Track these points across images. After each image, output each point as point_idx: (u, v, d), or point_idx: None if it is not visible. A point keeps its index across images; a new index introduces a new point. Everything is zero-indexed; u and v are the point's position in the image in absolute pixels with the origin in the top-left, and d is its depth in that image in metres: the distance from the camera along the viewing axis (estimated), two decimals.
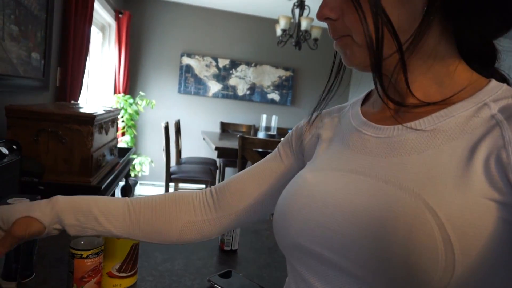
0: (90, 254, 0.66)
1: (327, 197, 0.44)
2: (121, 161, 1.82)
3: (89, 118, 1.30)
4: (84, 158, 1.30)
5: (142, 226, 0.59)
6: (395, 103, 0.45)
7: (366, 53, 0.42)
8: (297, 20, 3.14)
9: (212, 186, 0.65)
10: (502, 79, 0.47)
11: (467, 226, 0.35)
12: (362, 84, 3.93)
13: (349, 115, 0.54)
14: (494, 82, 0.43)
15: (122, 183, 2.39)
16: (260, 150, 2.72)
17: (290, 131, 0.65)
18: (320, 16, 0.45)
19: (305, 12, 3.14)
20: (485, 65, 0.48)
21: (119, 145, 3.34)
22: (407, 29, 0.41)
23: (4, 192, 0.92)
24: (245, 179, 0.62)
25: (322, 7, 0.44)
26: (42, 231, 0.54)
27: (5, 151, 0.91)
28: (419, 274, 0.34)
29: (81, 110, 1.41)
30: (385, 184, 0.40)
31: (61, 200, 0.56)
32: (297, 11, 3.14)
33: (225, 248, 0.97)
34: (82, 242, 0.67)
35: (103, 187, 1.33)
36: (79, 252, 0.65)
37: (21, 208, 0.54)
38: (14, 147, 0.97)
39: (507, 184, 0.35)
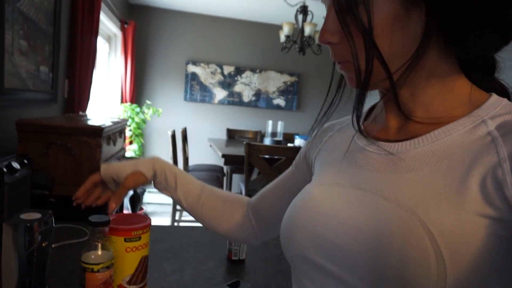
0: (101, 268, 0.67)
1: (331, 212, 0.45)
2: None
3: (97, 130, 1.32)
4: (93, 169, 1.32)
5: (204, 210, 0.73)
6: (402, 117, 0.47)
7: (358, 76, 0.43)
8: (300, 26, 3.15)
9: (249, 200, 0.76)
10: (503, 89, 0.48)
11: (460, 242, 0.35)
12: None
13: (351, 129, 0.55)
14: (493, 98, 0.43)
15: (130, 193, 2.41)
16: (266, 156, 2.73)
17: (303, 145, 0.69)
18: (323, 40, 0.45)
19: (308, 17, 3.16)
20: (486, 76, 0.49)
21: (127, 154, 3.39)
22: (406, 52, 0.41)
23: (17, 205, 0.94)
24: (267, 191, 0.72)
25: (323, 31, 0.45)
26: (146, 182, 0.71)
27: (16, 165, 0.93)
28: (412, 287, 0.35)
29: (89, 122, 1.43)
30: (385, 201, 0.41)
31: (159, 162, 0.72)
32: (300, 17, 3.16)
33: (233, 258, 0.97)
34: (92, 257, 0.68)
35: None
36: (90, 266, 0.67)
37: (129, 165, 0.71)
38: (25, 161, 0.99)
39: (503, 200, 0.36)
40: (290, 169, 0.69)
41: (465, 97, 0.45)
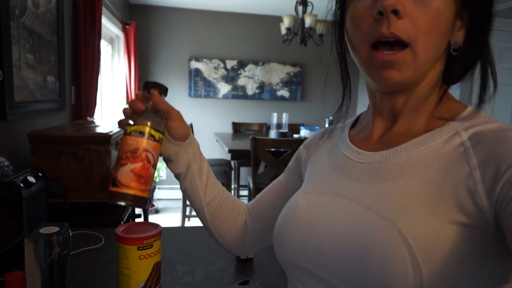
0: (133, 131, 0.55)
1: (317, 221, 0.49)
2: None
3: (105, 138, 1.36)
4: (103, 175, 1.37)
5: (219, 212, 0.69)
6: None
7: (413, 69, 0.43)
8: (301, 17, 3.15)
9: (247, 205, 0.75)
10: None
11: (434, 250, 0.38)
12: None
13: (338, 137, 0.58)
14: (469, 109, 0.46)
15: None
16: (272, 149, 2.76)
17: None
18: (389, 5, 0.40)
19: (308, 9, 3.15)
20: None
21: None
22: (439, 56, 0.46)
23: (35, 217, 0.99)
24: (262, 197, 0.72)
25: None
26: (185, 133, 0.63)
27: (32, 180, 0.98)
28: None
29: (97, 130, 1.48)
30: (366, 210, 0.44)
31: (193, 149, 0.65)
32: (300, 8, 3.15)
33: (242, 257, 1.02)
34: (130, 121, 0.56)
35: None
36: (127, 127, 0.56)
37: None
38: (40, 174, 1.04)
39: (475, 208, 0.38)
40: (283, 174, 0.70)
41: (443, 107, 0.47)
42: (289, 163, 0.70)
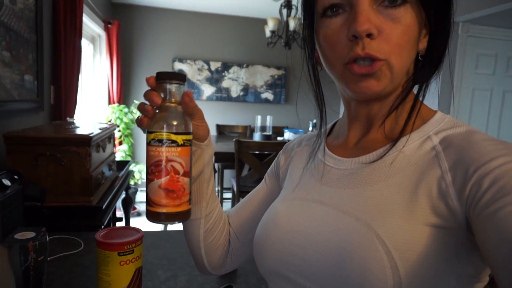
0: (152, 140, 0.47)
1: (297, 228, 0.49)
2: (120, 175, 1.85)
3: (86, 140, 1.33)
4: (83, 178, 1.34)
5: (211, 227, 0.63)
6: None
7: (390, 79, 0.44)
8: (285, 20, 3.16)
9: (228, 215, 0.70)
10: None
11: (411, 252, 0.39)
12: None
13: (316, 145, 0.59)
14: (438, 114, 0.48)
15: (123, 195, 2.42)
16: (256, 152, 2.76)
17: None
18: (364, 30, 0.41)
19: (293, 12, 3.16)
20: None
21: (117, 155, 3.38)
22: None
23: (10, 222, 0.96)
24: (243, 208, 0.68)
25: (364, 20, 0.41)
26: (205, 133, 0.56)
27: (7, 182, 0.94)
28: None
29: (78, 131, 1.44)
30: (344, 215, 0.45)
31: (209, 152, 0.58)
32: (284, 11, 3.16)
33: None
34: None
35: (104, 206, 1.36)
36: (147, 135, 0.48)
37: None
38: (16, 177, 1.01)
39: (448, 209, 0.39)
40: (263, 184, 0.69)
41: (415, 113, 0.48)
42: (268, 170, 0.70)
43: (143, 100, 0.50)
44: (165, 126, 0.47)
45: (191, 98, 0.48)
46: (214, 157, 2.82)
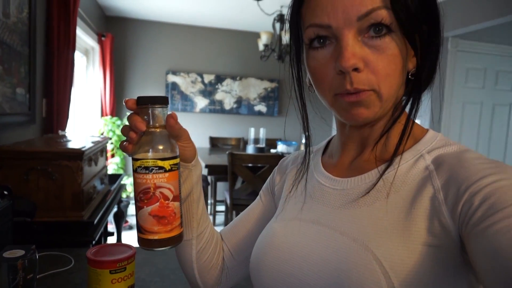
0: (138, 167, 0.46)
1: (294, 249, 0.49)
2: (112, 189, 1.83)
3: (78, 154, 1.31)
4: (75, 193, 1.32)
5: (203, 247, 0.62)
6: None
7: (379, 106, 0.45)
8: (278, 34, 3.20)
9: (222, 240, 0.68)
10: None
11: (409, 272, 0.39)
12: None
13: (311, 163, 0.59)
14: (430, 133, 0.48)
15: (115, 209, 2.39)
16: (250, 165, 2.75)
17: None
18: (350, 65, 0.42)
19: (286, 26, 3.20)
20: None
21: (109, 168, 3.35)
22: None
23: None
24: (238, 226, 0.67)
25: (350, 56, 0.42)
26: (191, 153, 0.54)
27: None
28: None
29: (69, 145, 1.42)
30: (341, 236, 0.45)
31: (197, 172, 0.57)
32: (277, 25, 3.20)
33: None
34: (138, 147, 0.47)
35: (95, 221, 1.34)
36: (133, 162, 0.47)
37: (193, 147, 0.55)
38: (5, 192, 0.99)
39: (441, 228, 0.40)
40: (258, 202, 0.68)
41: (408, 133, 0.48)
42: (264, 187, 0.69)
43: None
44: (150, 152, 0.46)
45: (175, 120, 0.47)
46: (207, 169, 2.83)
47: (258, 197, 0.69)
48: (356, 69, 0.42)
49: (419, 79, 0.46)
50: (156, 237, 0.47)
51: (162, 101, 0.48)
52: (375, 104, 0.44)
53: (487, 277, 0.33)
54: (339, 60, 0.42)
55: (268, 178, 0.69)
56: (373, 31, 0.42)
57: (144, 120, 0.47)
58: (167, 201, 0.47)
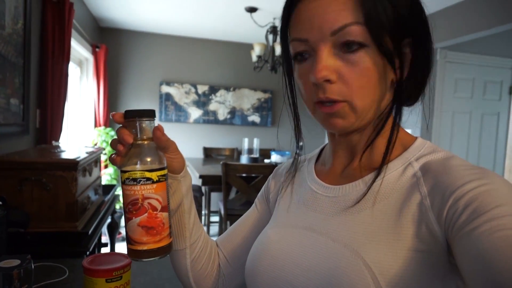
0: (126, 179, 0.47)
1: (287, 255, 0.50)
2: (106, 199, 1.82)
3: (73, 164, 1.31)
4: (69, 203, 1.31)
5: (198, 256, 0.63)
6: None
7: (355, 117, 0.47)
8: (271, 45, 3.24)
9: (217, 247, 0.69)
10: None
11: (397, 278, 0.40)
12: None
13: (305, 171, 0.60)
14: (419, 140, 0.50)
15: (108, 220, 2.37)
16: (244, 175, 2.76)
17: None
18: (321, 77, 0.44)
19: (278, 37, 3.24)
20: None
21: (103, 178, 3.33)
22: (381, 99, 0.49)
23: None
24: (234, 234, 0.68)
25: (322, 68, 0.44)
26: (180, 165, 0.55)
27: None
28: None
29: (64, 155, 1.42)
30: (333, 242, 0.46)
31: (186, 183, 0.57)
32: (271, 36, 3.25)
33: None
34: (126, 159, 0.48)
35: (89, 232, 1.34)
36: (121, 174, 0.48)
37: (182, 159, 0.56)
38: (0, 203, 0.99)
39: (429, 233, 0.41)
40: (254, 209, 0.69)
41: (397, 140, 0.50)
42: (259, 195, 0.71)
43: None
44: (138, 164, 0.47)
45: (162, 132, 0.48)
46: (201, 180, 2.83)
47: (253, 204, 0.70)
48: (328, 81, 0.45)
49: (400, 90, 0.48)
50: (145, 247, 0.48)
51: (149, 114, 0.49)
52: (350, 115, 0.46)
53: (471, 280, 0.35)
54: (312, 72, 0.45)
55: (263, 186, 0.70)
56: (346, 46, 0.44)
57: (132, 133, 0.48)
58: (155, 212, 0.48)
